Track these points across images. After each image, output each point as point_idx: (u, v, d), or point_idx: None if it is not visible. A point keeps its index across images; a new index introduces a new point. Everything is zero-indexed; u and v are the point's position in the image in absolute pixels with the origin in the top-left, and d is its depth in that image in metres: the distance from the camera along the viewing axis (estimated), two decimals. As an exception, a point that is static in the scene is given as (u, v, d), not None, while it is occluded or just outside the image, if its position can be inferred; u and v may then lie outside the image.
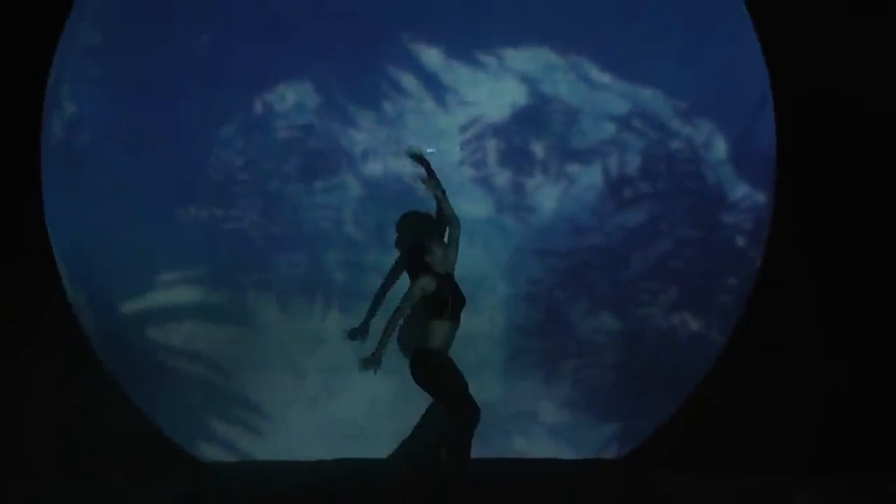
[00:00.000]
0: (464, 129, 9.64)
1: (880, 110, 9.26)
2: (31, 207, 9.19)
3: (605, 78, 9.65)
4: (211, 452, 9.50)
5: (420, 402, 9.19)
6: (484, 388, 8.95)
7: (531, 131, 9.68)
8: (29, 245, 9.18)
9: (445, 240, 8.77)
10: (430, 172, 8.90)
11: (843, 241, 9.30)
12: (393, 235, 9.27)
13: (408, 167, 9.35)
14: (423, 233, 9.01)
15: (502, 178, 9.67)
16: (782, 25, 9.34)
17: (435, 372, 8.58)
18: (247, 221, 9.56)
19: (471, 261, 9.20)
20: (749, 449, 9.10)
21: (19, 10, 8.97)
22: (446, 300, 8.58)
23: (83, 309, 9.33)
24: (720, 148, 9.69)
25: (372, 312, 9.23)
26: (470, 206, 9.37)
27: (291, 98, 9.59)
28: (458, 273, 8.80)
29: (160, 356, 9.51)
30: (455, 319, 8.69)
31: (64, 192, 9.30)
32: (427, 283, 8.57)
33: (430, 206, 9.10)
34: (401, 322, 8.60)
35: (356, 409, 9.53)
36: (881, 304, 9.28)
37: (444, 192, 8.73)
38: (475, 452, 8.64)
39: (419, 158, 8.93)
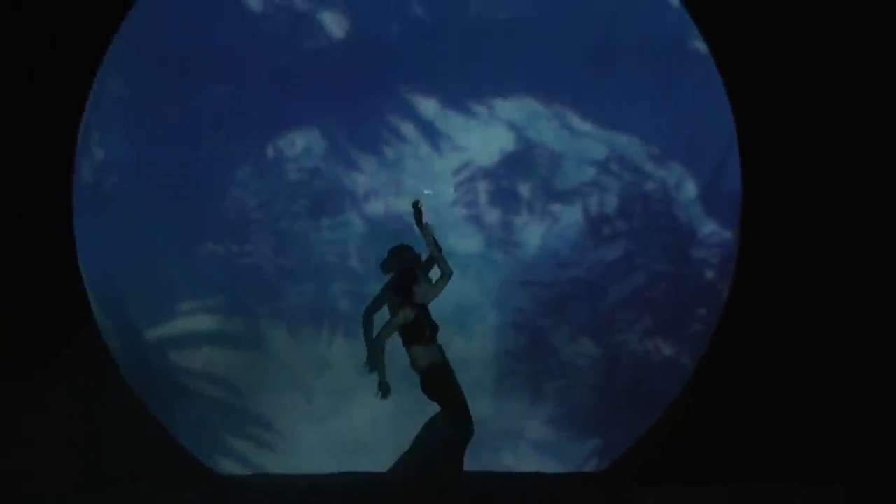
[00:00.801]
0: (457, 171, 9.98)
1: (835, 156, 9.54)
2: (64, 243, 9.44)
3: (585, 125, 9.97)
4: (227, 466, 9.80)
5: (418, 418, 9.38)
6: (475, 406, 9.09)
7: (518, 174, 9.99)
8: (61, 276, 9.43)
9: (432, 281, 8.99)
10: (428, 233, 9.00)
11: (802, 274, 9.54)
12: (385, 262, 9.42)
13: (406, 207, 9.43)
14: (412, 265, 9.19)
15: (492, 216, 9.98)
16: (747, 77, 9.64)
17: (441, 384, 8.91)
18: (260, 256, 9.91)
19: (463, 291, 9.51)
20: (716, 463, 9.33)
21: (54, 63, 9.29)
22: (423, 328, 8.86)
23: (111, 334, 9.62)
24: (690, 189, 9.98)
25: (369, 338, 9.36)
26: (462, 241, 9.70)
27: (300, 144, 9.93)
28: (452, 303, 9.16)
29: (180, 378, 9.82)
30: (432, 344, 8.96)
31: (93, 229, 9.58)
32: (407, 314, 8.83)
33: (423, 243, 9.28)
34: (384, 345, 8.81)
35: (359, 426, 9.79)
36: (836, 332, 9.54)
37: (440, 249, 8.90)
38: (467, 466, 8.98)
39: (418, 216, 9.00)
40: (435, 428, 9.10)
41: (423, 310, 8.90)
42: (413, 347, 8.92)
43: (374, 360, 8.87)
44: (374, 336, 9.05)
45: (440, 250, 8.92)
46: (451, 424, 8.89)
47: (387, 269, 9.37)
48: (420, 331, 8.87)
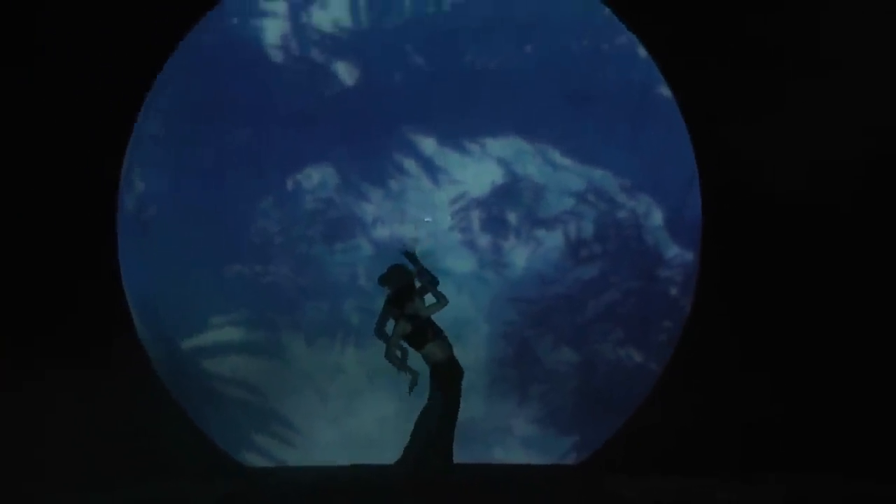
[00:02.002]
0: (453, 201, 10.54)
1: (782, 188, 9.82)
2: (109, 264, 9.90)
3: (565, 161, 10.50)
4: (253, 459, 10.29)
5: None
6: (469, 407, 9.31)
7: (507, 203, 10.54)
8: (107, 294, 9.84)
9: (425, 302, 8.96)
10: (421, 268, 8.99)
11: (755, 291, 9.94)
12: (382, 278, 9.18)
13: (408, 232, 10.11)
14: (406, 282, 9.09)
15: (484, 240, 10.55)
16: (706, 120, 10.03)
17: (453, 377, 8.93)
18: (280, 276, 10.42)
19: (459, 306, 9.74)
20: (679, 457, 9.58)
21: (101, 108, 9.67)
22: (425, 332, 8.89)
23: (150, 345, 10.09)
24: (657, 217, 10.52)
25: (390, 353, 9.03)
26: (458, 262, 10.30)
27: (316, 178, 10.48)
28: (449, 316, 9.06)
29: (211, 382, 10.36)
30: (439, 339, 8.93)
31: (135, 253, 10.09)
32: (404, 327, 8.85)
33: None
34: (398, 352, 8.86)
35: (369, 425, 10.30)
36: (785, 341, 9.87)
37: (436, 283, 8.93)
38: (462, 459, 9.06)
39: (412, 259, 8.99)
40: (425, 420, 9.02)
41: (417, 318, 8.89)
42: (424, 348, 8.91)
43: (396, 365, 8.85)
44: (387, 349, 8.95)
45: (436, 285, 8.95)
46: (442, 411, 8.88)
47: (383, 284, 9.20)
48: (423, 336, 8.89)
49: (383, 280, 9.23)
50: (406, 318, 8.88)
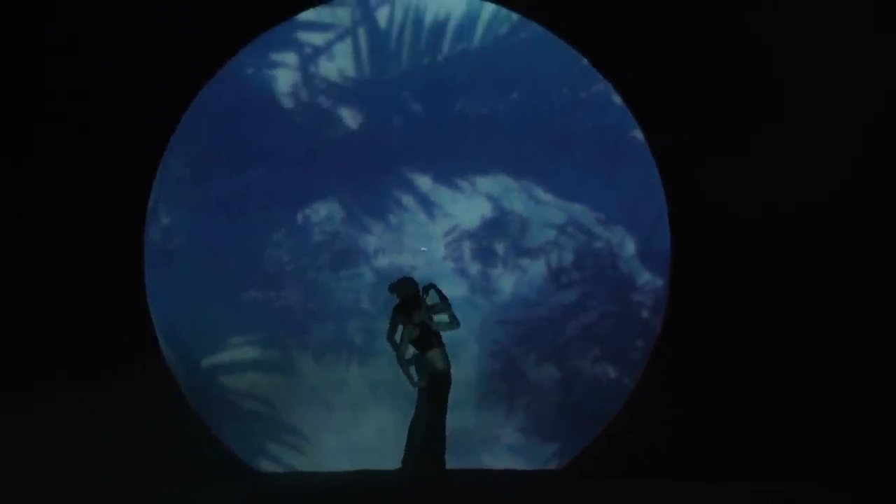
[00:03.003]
0: (447, 233, 10.94)
1: (744, 221, 10.17)
2: (137, 291, 10.14)
3: (547, 197, 10.89)
4: (266, 465, 10.56)
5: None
6: (461, 418, 9.89)
7: (495, 235, 10.92)
8: (134, 318, 10.10)
9: (435, 319, 9.38)
10: (443, 295, 9.52)
11: (718, 314, 10.27)
12: (393, 286, 9.68)
13: (407, 261, 10.49)
14: (413, 293, 9.59)
15: (474, 269, 10.96)
16: (674, 160, 10.32)
17: (443, 389, 9.37)
18: (291, 300, 10.77)
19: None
20: (650, 462, 9.94)
21: (130, 150, 9.97)
22: (430, 337, 9.41)
23: (175, 364, 10.36)
24: (630, 247, 10.92)
25: (401, 359, 9.49)
26: (451, 288, 10.44)
27: (323, 212, 10.84)
28: (444, 336, 9.57)
29: (229, 396, 10.65)
30: (442, 345, 9.43)
31: (160, 281, 10.38)
32: (411, 332, 9.36)
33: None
34: (408, 358, 9.31)
35: (371, 434, 10.62)
36: (745, 359, 10.21)
37: (449, 306, 9.41)
38: (454, 465, 9.60)
39: (434, 287, 9.48)
40: (416, 430, 9.51)
41: (424, 324, 9.38)
42: (428, 353, 9.33)
43: (404, 369, 9.29)
44: (397, 354, 9.32)
45: (449, 306, 9.42)
46: (430, 420, 9.29)
47: (393, 292, 9.60)
48: (428, 341, 9.36)
49: (393, 288, 9.63)
50: (414, 324, 9.30)
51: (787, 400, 10.31)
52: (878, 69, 10.17)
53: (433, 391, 9.41)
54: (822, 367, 10.33)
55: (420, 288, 9.69)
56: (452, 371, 9.78)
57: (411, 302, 9.43)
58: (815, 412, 10.23)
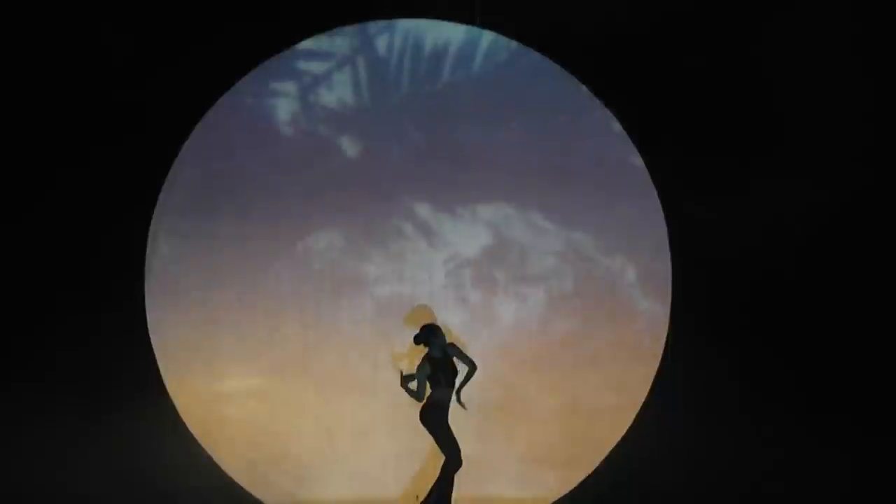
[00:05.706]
0: (447, 261, 10.76)
1: (743, 248, 10.35)
2: (138, 320, 10.31)
3: (547, 224, 10.75)
4: (268, 495, 10.45)
5: (416, 458, 10.18)
6: (463, 447, 9.54)
7: (495, 263, 10.79)
8: (136, 347, 10.24)
9: (454, 360, 9.39)
10: (460, 353, 9.46)
11: (720, 341, 10.34)
12: (417, 336, 9.56)
13: (408, 289, 10.50)
14: (431, 329, 9.60)
15: (475, 296, 10.77)
16: (675, 188, 10.50)
17: (441, 423, 9.40)
18: (292, 329, 10.73)
19: None
20: (652, 489, 10.11)
21: (128, 180, 10.24)
22: (439, 377, 9.41)
23: (175, 391, 10.36)
24: (631, 274, 10.75)
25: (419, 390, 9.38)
26: (452, 316, 10.57)
27: (323, 241, 10.69)
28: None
29: (232, 425, 10.56)
30: (451, 386, 9.45)
31: (161, 310, 10.49)
32: (425, 368, 9.36)
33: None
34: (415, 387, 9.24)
35: (371, 463, 10.45)
36: (745, 387, 10.34)
37: (460, 350, 9.36)
38: (458, 493, 9.48)
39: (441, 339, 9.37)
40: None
41: (440, 361, 9.37)
42: (436, 389, 9.36)
43: (416, 395, 9.30)
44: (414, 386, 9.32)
45: (460, 351, 9.43)
46: (444, 453, 9.32)
47: (419, 342, 9.58)
48: (437, 379, 9.35)
49: (417, 338, 9.64)
50: (429, 360, 9.41)
51: (794, 426, 10.40)
52: (878, 103, 10.38)
53: (431, 423, 9.51)
54: (826, 396, 10.44)
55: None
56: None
57: (428, 336, 9.54)
58: (823, 440, 10.33)
